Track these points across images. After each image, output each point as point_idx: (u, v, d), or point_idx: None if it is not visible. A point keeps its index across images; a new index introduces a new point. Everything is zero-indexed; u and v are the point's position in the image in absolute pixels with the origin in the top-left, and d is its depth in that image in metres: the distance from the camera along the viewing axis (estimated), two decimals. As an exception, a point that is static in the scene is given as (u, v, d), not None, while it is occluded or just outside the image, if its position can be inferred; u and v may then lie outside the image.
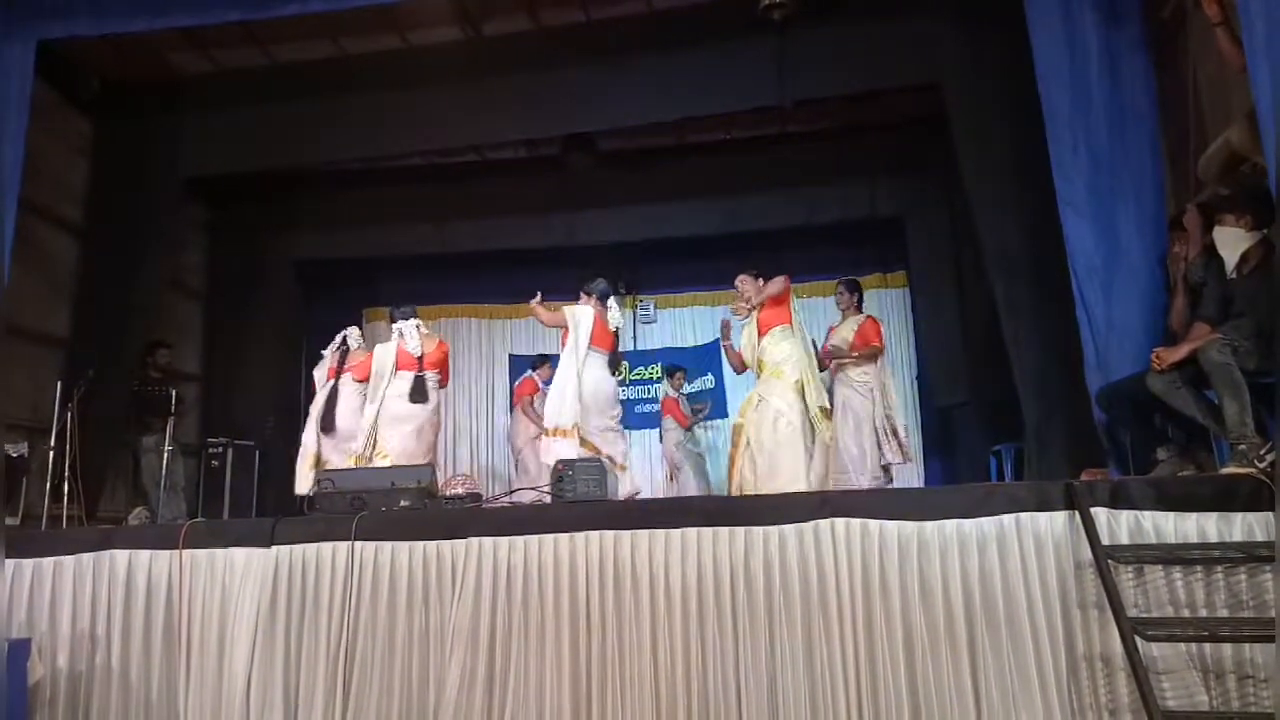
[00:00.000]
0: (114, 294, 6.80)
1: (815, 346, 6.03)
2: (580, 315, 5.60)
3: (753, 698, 3.40)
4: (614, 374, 5.82)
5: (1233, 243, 3.85)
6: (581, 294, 5.81)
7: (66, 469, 5.44)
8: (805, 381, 5.40)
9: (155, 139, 7.12)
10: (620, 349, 6.02)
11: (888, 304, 9.08)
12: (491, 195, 8.61)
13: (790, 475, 5.17)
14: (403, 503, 4.16)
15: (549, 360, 8.35)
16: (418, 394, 5.65)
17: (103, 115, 7.19)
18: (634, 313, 9.54)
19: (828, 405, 5.59)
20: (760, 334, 5.62)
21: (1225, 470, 3.56)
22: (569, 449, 5.14)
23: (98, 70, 6.89)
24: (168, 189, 7.16)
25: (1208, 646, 3.14)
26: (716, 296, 9.44)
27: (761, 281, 5.72)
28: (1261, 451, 3.42)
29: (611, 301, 5.82)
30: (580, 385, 5.40)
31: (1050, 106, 4.81)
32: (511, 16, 6.72)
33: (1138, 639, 3.01)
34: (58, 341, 6.73)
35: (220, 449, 7.20)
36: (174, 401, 6.37)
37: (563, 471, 4.26)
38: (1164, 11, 4.97)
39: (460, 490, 4.60)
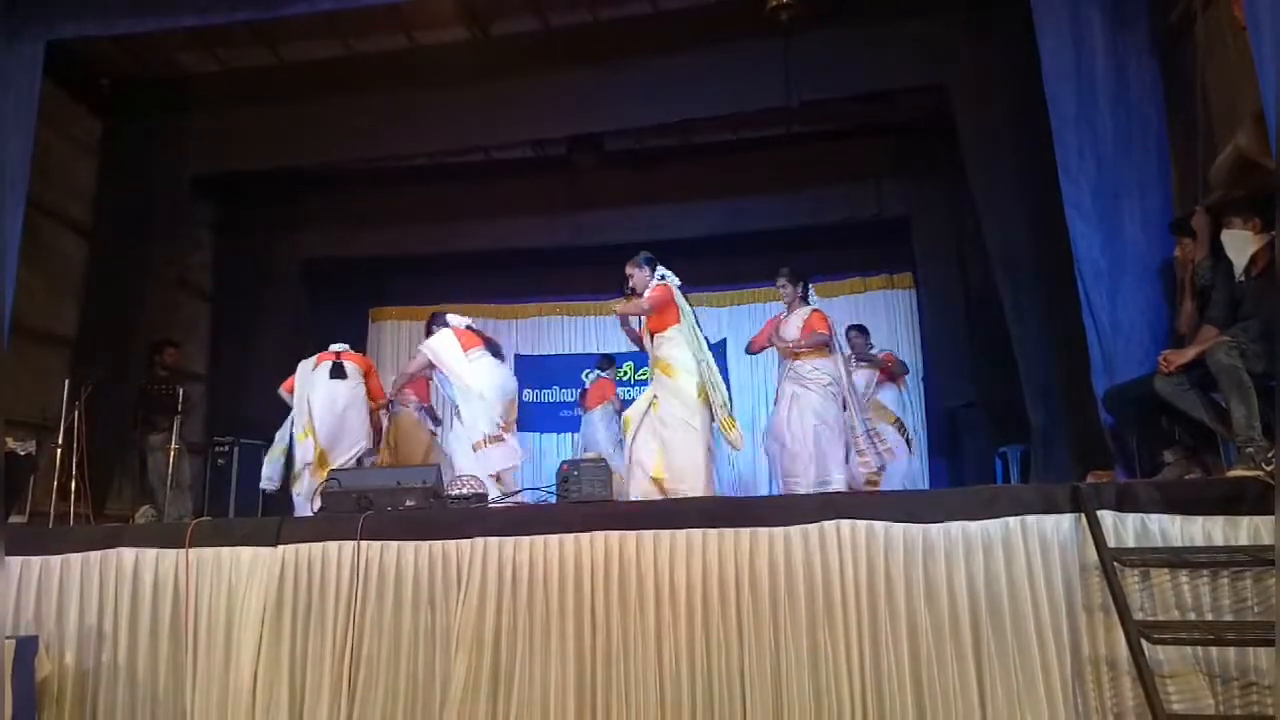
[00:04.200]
0: (121, 293, 6.83)
1: (710, 344, 5.82)
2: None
3: (757, 699, 3.40)
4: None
5: (1241, 245, 3.86)
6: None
7: (74, 467, 5.45)
8: (705, 385, 5.18)
9: (163, 138, 7.16)
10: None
11: (894, 305, 9.08)
12: (498, 195, 8.63)
13: (694, 479, 5.03)
14: (408, 502, 4.16)
15: (614, 360, 8.30)
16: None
17: (111, 115, 7.23)
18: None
19: (729, 410, 5.31)
20: (652, 333, 5.43)
21: (1232, 473, 3.56)
22: None
23: (106, 70, 6.91)
24: (175, 188, 7.19)
25: (1214, 650, 3.14)
26: (722, 297, 9.46)
27: (648, 271, 5.45)
28: (1269, 454, 3.42)
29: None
30: None
31: (1057, 109, 4.81)
32: (518, 17, 6.73)
33: (1143, 642, 3.01)
34: (65, 340, 6.76)
35: (227, 448, 7.21)
36: (181, 400, 6.39)
37: (568, 472, 4.26)
38: (1172, 15, 4.96)
39: (465, 490, 4.60)
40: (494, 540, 3.77)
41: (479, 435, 5.33)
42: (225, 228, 8.73)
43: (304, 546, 3.94)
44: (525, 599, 3.68)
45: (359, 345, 9.52)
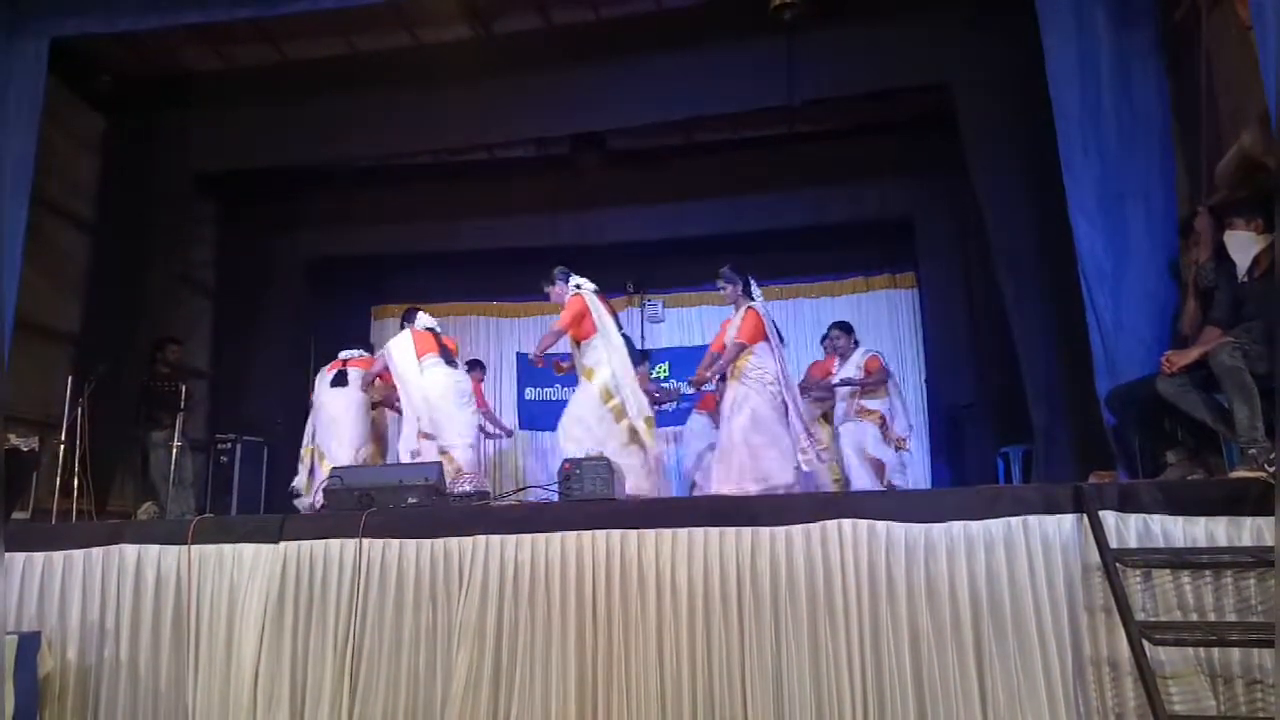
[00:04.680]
0: (124, 290, 6.83)
1: (631, 343, 5.85)
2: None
3: (758, 698, 3.40)
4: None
5: (1244, 246, 3.85)
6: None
7: (76, 464, 5.46)
8: (618, 388, 5.31)
9: (166, 135, 7.16)
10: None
11: (896, 304, 9.06)
12: (501, 194, 8.62)
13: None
14: (410, 500, 4.17)
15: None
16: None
17: (114, 111, 7.23)
18: (642, 311, 9.53)
19: (650, 414, 5.48)
20: (577, 342, 5.64)
21: (1234, 474, 3.55)
22: None
23: (110, 67, 6.91)
24: (178, 185, 7.20)
25: (1216, 651, 3.14)
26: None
27: (562, 285, 5.76)
28: (1271, 455, 3.41)
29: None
30: None
31: (1060, 108, 4.80)
32: (521, 15, 6.73)
33: (1145, 643, 3.01)
34: (68, 337, 6.77)
35: (229, 445, 7.22)
36: (183, 397, 6.40)
37: (570, 470, 4.26)
38: (1177, 13, 4.94)
39: (468, 488, 4.61)
40: (496, 538, 3.78)
41: (412, 435, 5.63)
42: (227, 225, 8.72)
43: (306, 544, 3.95)
44: (527, 597, 3.68)
45: (362, 343, 9.55)
